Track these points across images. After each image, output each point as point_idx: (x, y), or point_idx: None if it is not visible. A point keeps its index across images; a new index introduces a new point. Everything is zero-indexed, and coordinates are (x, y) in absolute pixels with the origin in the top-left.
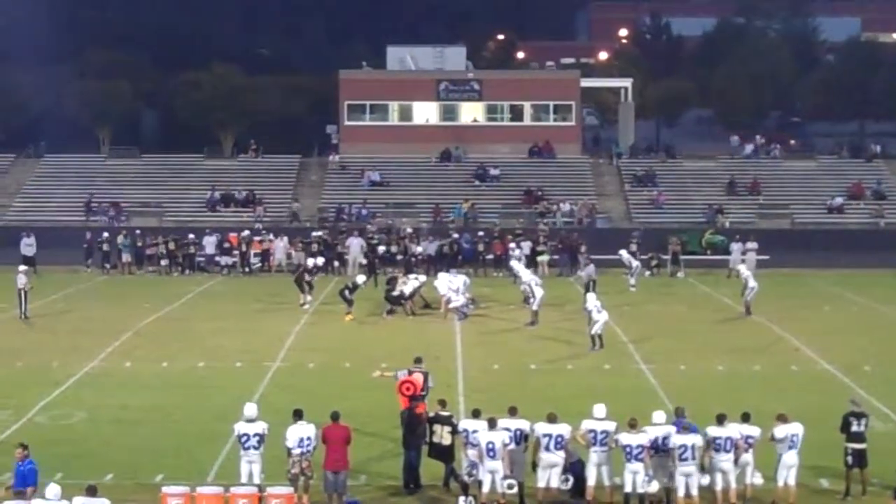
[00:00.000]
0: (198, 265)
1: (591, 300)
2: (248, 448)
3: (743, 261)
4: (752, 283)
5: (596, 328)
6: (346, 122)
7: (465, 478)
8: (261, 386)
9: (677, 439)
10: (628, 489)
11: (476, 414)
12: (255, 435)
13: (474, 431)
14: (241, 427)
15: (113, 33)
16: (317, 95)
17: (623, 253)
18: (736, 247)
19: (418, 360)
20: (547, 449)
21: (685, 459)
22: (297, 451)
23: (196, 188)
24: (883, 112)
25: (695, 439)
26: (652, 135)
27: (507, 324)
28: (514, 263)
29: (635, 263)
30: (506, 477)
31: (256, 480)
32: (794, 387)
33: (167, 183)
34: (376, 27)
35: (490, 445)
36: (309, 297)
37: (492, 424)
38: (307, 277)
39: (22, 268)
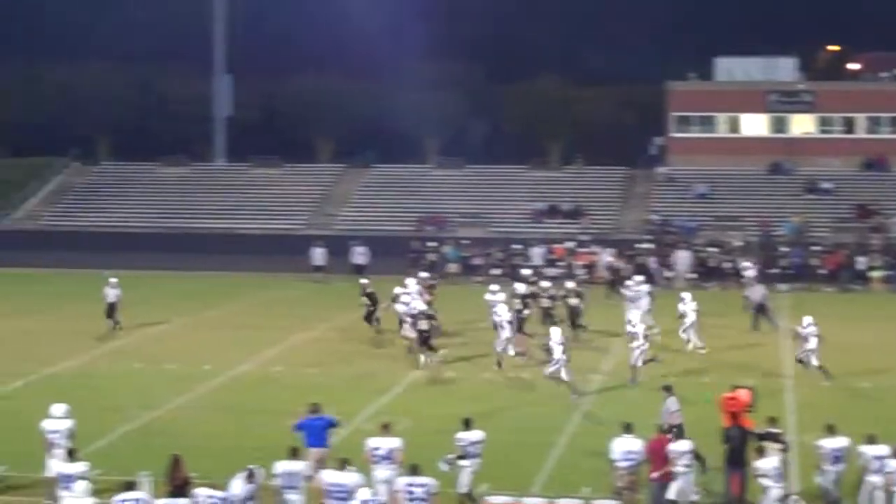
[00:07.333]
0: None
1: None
2: None
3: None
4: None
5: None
6: (674, 134)
7: None
8: None
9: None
10: None
11: None
12: None
13: None
14: None
15: (445, 45)
16: (644, 106)
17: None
18: None
19: None
20: None
21: None
22: None
23: (520, 199)
24: None
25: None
26: None
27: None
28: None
29: None
30: None
31: None
32: None
33: (491, 194)
34: (703, 38)
35: None
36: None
37: None
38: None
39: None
